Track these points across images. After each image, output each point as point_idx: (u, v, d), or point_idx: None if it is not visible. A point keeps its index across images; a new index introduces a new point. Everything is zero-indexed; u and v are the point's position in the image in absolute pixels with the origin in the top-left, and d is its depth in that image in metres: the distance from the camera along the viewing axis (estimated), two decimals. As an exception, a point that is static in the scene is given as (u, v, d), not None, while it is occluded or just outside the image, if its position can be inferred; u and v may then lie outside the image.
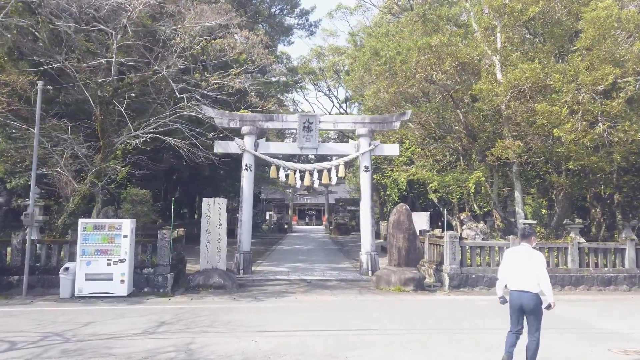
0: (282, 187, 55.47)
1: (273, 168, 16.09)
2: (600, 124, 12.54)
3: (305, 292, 13.14)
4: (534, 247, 6.57)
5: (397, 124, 16.38)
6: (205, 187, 36.32)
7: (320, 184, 16.21)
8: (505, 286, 6.54)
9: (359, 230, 22.22)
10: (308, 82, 49.17)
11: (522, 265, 6.23)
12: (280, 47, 42.71)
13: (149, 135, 13.52)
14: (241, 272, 15.55)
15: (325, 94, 48.76)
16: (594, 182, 17.31)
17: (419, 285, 13.71)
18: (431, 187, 18.49)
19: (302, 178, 16.10)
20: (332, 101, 48.92)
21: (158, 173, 25.84)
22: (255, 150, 16.06)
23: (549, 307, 6.21)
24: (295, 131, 16.38)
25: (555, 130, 12.72)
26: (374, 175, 30.61)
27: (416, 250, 14.16)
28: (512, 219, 18.77)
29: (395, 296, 12.76)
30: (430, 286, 14.38)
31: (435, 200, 24.84)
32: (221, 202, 13.63)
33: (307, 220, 73.19)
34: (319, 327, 9.03)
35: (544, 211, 16.94)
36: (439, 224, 29.09)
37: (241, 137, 16.21)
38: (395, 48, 16.12)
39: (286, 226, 53.84)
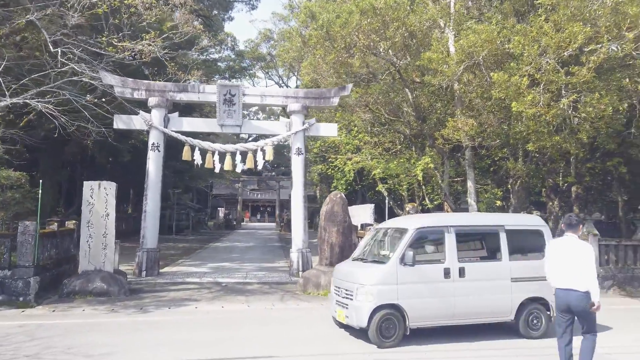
0: (229, 182, 52.41)
1: (186, 148, 13.40)
2: (564, 97, 10.61)
3: (213, 299, 10.59)
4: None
5: (335, 100, 14.05)
6: (134, 178, 32.98)
7: (244, 169, 13.66)
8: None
9: (310, 228, 19.95)
10: (258, 70, 46.35)
11: (569, 260, 5.35)
12: (227, 28, 39.68)
13: (11, 100, 10.53)
14: (143, 273, 12.80)
15: (276, 83, 46.10)
16: (552, 171, 15.60)
17: (355, 289, 11.42)
18: (374, 174, 16.31)
19: (222, 161, 13.49)
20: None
21: (68, 157, 22.44)
22: (165, 126, 13.32)
23: (591, 306, 5.24)
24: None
25: (514, 104, 10.72)
26: (320, 165, 28.43)
27: (352, 247, 11.86)
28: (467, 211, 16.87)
29: (324, 303, 10.41)
30: (368, 289, 12.14)
31: (385, 193, 22.81)
32: (108, 187, 10.86)
33: (259, 217, 70.32)
34: (197, 354, 6.51)
35: (498, 203, 15.12)
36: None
37: (148, 110, 13.45)
38: (335, 10, 13.78)
39: (234, 223, 50.89)
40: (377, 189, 20.26)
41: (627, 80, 11.26)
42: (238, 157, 13.54)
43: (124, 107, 13.93)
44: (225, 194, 61.98)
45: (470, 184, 15.54)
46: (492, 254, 7.78)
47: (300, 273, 12.98)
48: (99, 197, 10.74)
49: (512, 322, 7.54)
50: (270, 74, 46.72)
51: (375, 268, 7.38)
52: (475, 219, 8.86)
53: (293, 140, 13.89)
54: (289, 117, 14.09)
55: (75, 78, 12.45)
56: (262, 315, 9.20)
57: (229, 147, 13.54)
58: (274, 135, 13.92)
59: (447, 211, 18.44)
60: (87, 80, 12.68)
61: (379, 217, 29.07)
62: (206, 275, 13.51)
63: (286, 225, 44.76)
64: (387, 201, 12.71)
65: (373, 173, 16.26)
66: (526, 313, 7.47)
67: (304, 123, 13.87)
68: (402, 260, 6.99)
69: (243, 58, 40.89)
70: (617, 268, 13.03)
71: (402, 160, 15.42)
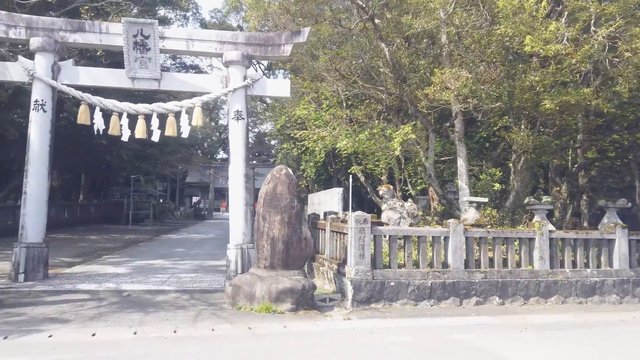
0: (198, 167, 48.33)
1: (82, 108, 9.93)
2: (594, 29, 7.39)
3: (92, 318, 7.24)
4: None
5: (287, 48, 10.66)
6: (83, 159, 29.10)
7: (162, 136, 10.23)
8: None
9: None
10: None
11: None
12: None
13: None
14: (21, 277, 9.38)
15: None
16: (564, 146, 12.46)
17: (304, 301, 8.17)
18: (340, 148, 13.03)
19: (132, 126, 10.06)
20: (257, 69, 42.45)
21: None
22: (54, 78, 9.82)
23: None
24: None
25: (527, 39, 7.49)
26: (284, 144, 24.96)
27: (301, 242, 8.59)
28: (455, 198, 13.77)
29: (256, 325, 7.15)
30: (325, 300, 8.88)
31: (362, 178, 19.58)
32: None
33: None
34: None
35: (496, 186, 12.00)
36: (375, 210, 23.34)
37: (32, 57, 9.93)
38: None
39: (204, 212, 47.22)
40: (350, 171, 17.01)
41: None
42: (155, 122, 10.11)
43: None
44: (200, 182, 58.08)
45: (461, 163, 12.37)
46: None
47: (238, 276, 9.67)
48: None
49: None
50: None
51: None
52: None
53: (231, 101, 10.50)
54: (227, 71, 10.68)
55: None
56: (144, 351, 5.88)
57: (141, 107, 10.08)
58: (205, 94, 10.52)
59: (432, 197, 15.30)
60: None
61: (358, 205, 25.89)
62: (114, 279, 10.13)
63: (260, 215, 41.40)
64: (350, 184, 9.42)
65: (338, 147, 12.97)
66: None
67: (245, 78, 10.49)
68: None
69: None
70: (654, 270, 9.99)
71: (375, 132, 12.13)
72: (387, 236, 9.14)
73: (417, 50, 13.01)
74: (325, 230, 10.76)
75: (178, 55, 37.99)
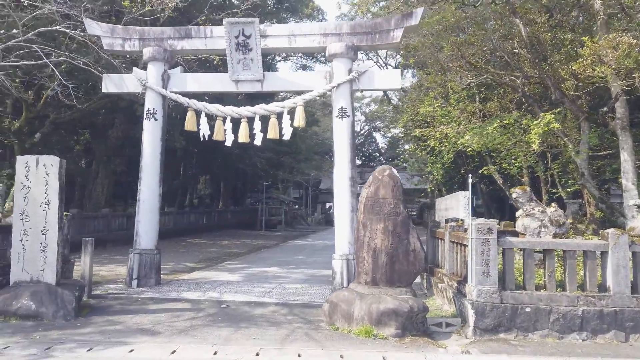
0: (329, 175, 48.48)
1: (190, 114, 9.89)
2: None
3: (181, 332, 6.84)
4: None
5: (398, 34, 9.40)
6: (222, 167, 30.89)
7: (264, 139, 9.72)
8: None
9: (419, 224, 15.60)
10: (361, 53, 41.85)
11: None
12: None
13: None
14: (134, 283, 9.59)
15: (374, 62, 41.28)
16: None
17: (412, 325, 6.82)
18: (462, 143, 11.21)
19: (235, 130, 9.75)
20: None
21: (114, 142, 20.26)
22: (164, 86, 9.95)
23: None
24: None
25: None
26: (407, 146, 23.32)
27: (409, 255, 7.24)
28: (620, 202, 11.06)
29: (350, 352, 6.06)
30: (441, 324, 7.38)
31: (500, 180, 17.29)
32: (50, 163, 7.70)
33: (369, 212, 65.88)
34: None
35: (679, 186, 9.14)
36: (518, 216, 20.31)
37: (144, 67, 10.24)
38: None
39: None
40: (481, 172, 14.92)
41: None
42: (257, 125, 9.64)
43: (118, 70, 10.92)
44: (331, 189, 58.73)
45: (625, 157, 9.78)
46: None
47: (336, 292, 8.65)
48: (37, 178, 7.63)
49: None
50: (368, 53, 41.90)
51: None
52: None
53: (335, 97, 9.59)
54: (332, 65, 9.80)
55: (50, 28, 9.70)
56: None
57: (244, 110, 9.70)
58: (307, 92, 9.76)
59: (588, 201, 12.56)
60: (64, 29, 9.87)
61: (497, 211, 23.13)
62: (220, 288, 9.89)
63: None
64: (469, 184, 7.79)
65: (459, 142, 11.21)
66: None
67: (350, 71, 9.49)
68: None
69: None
70: None
71: (508, 124, 10.16)
72: (519, 250, 7.32)
73: (561, 22, 10.70)
74: (444, 240, 9.20)
75: (299, 63, 38.79)
